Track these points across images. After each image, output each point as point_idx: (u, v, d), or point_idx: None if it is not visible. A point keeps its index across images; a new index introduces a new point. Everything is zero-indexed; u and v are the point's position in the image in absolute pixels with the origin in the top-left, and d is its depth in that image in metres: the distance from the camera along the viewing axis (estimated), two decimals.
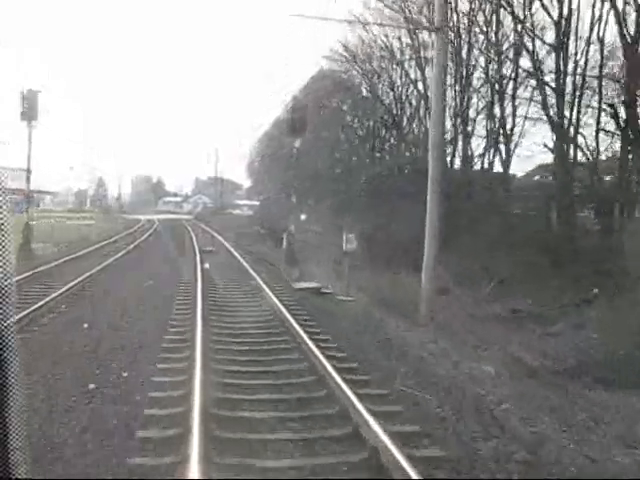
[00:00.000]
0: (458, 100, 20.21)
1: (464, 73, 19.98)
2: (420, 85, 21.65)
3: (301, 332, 8.16)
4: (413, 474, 3.81)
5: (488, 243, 15.45)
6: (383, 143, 24.89)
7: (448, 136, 19.05)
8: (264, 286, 12.52)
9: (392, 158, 23.00)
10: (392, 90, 23.22)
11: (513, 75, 18.66)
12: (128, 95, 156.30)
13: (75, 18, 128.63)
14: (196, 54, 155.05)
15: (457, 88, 20.11)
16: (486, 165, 20.06)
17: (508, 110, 18.93)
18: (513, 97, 18.73)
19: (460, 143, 20.69)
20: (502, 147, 19.26)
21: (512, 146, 18.94)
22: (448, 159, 19.71)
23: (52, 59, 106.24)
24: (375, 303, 11.74)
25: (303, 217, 22.74)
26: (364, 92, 23.86)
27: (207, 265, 15.57)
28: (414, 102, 22.33)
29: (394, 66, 22.27)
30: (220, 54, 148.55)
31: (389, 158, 23.45)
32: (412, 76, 21.96)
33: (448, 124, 18.96)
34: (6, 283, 1.63)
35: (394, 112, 22.96)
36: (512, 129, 18.82)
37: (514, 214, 19.08)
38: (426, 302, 10.65)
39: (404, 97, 23.00)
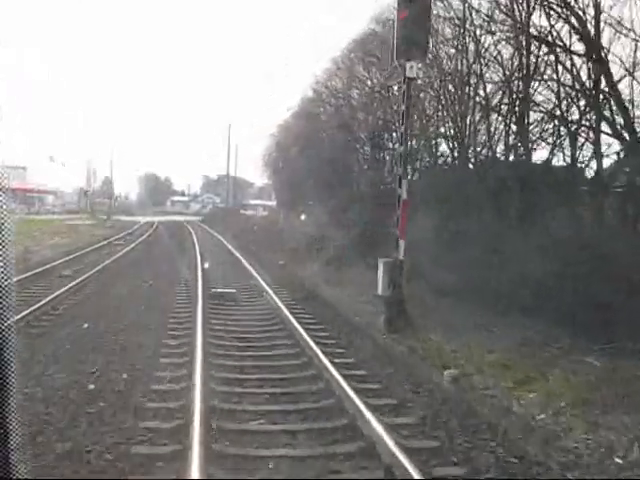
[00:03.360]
0: None
1: None
2: None
3: None
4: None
5: None
6: None
7: None
8: None
9: None
10: None
11: None
12: (134, 93, 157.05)
13: (80, 13, 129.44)
14: (203, 51, 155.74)
15: None
16: None
17: None
18: None
19: None
20: None
21: None
22: None
23: (53, 57, 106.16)
24: None
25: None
26: None
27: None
28: None
29: None
30: (229, 51, 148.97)
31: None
32: None
33: None
34: (6, 283, 1.63)
35: None
36: None
37: None
38: None
39: None
